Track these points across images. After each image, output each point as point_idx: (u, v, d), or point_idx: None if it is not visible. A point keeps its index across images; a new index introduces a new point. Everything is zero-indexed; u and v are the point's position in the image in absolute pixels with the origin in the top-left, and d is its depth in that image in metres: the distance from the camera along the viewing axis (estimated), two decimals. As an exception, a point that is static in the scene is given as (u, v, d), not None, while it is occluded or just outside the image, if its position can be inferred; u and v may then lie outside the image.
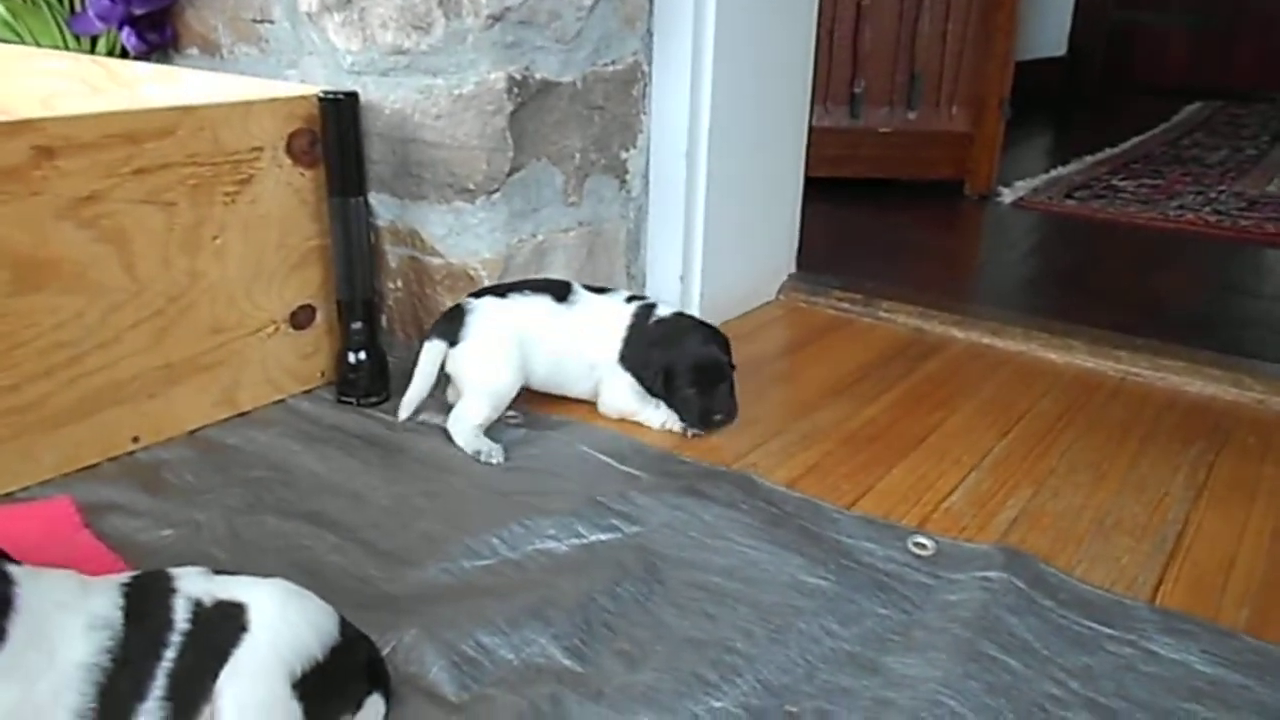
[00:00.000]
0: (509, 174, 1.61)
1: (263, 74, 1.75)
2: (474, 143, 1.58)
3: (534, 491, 1.37)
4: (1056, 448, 1.56)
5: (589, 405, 1.61)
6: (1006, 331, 2.01)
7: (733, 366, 1.56)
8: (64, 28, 1.98)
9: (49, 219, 1.28)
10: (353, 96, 1.50)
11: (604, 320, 1.56)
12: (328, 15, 1.65)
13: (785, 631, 1.09)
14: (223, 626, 0.87)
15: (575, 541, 1.26)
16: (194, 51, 1.91)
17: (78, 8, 1.95)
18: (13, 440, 1.31)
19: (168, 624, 0.86)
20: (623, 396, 1.58)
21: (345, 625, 0.95)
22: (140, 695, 0.83)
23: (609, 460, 1.47)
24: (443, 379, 1.53)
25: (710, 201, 1.91)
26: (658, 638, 1.09)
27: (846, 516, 1.34)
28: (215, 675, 0.84)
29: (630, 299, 1.59)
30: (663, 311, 1.57)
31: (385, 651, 1.01)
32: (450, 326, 1.51)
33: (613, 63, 1.76)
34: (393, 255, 1.73)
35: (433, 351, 1.51)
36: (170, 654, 0.85)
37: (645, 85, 1.84)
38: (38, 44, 2.03)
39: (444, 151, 1.61)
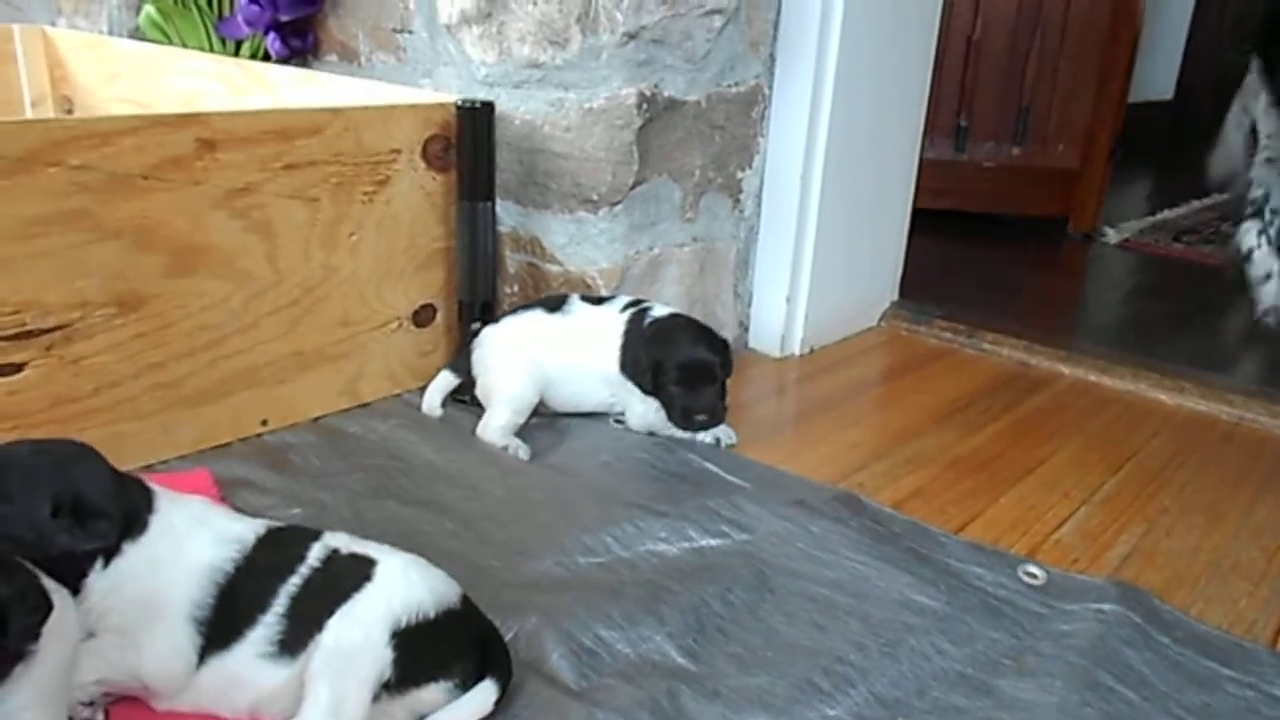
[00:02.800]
0: (632, 187, 1.65)
1: (398, 82, 1.82)
2: (601, 155, 1.63)
3: (645, 494, 1.40)
4: (1169, 488, 1.54)
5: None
6: (1115, 370, 1.98)
7: (726, 370, 1.53)
8: (211, 31, 2.09)
9: (206, 208, 1.36)
10: (489, 106, 1.56)
11: (600, 328, 1.57)
12: (466, 28, 1.71)
13: (896, 647, 1.10)
14: (350, 573, 0.95)
15: (686, 545, 1.28)
16: (333, 58, 2.00)
17: (226, 12, 2.05)
18: (156, 415, 1.38)
19: (299, 557, 0.95)
20: (646, 410, 1.57)
21: (468, 603, 0.99)
22: (261, 606, 0.92)
23: (716, 470, 1.49)
24: None
25: (821, 225, 1.93)
26: (769, 644, 1.10)
27: (954, 541, 1.34)
28: (331, 612, 0.91)
29: (627, 305, 1.59)
30: (658, 312, 1.57)
31: (508, 638, 1.05)
32: (459, 360, 1.62)
33: (736, 84, 1.80)
34: (512, 261, 1.78)
35: (440, 379, 1.62)
36: (295, 580, 0.94)
37: (765, 108, 1.87)
38: (185, 45, 2.14)
39: (571, 163, 1.66)
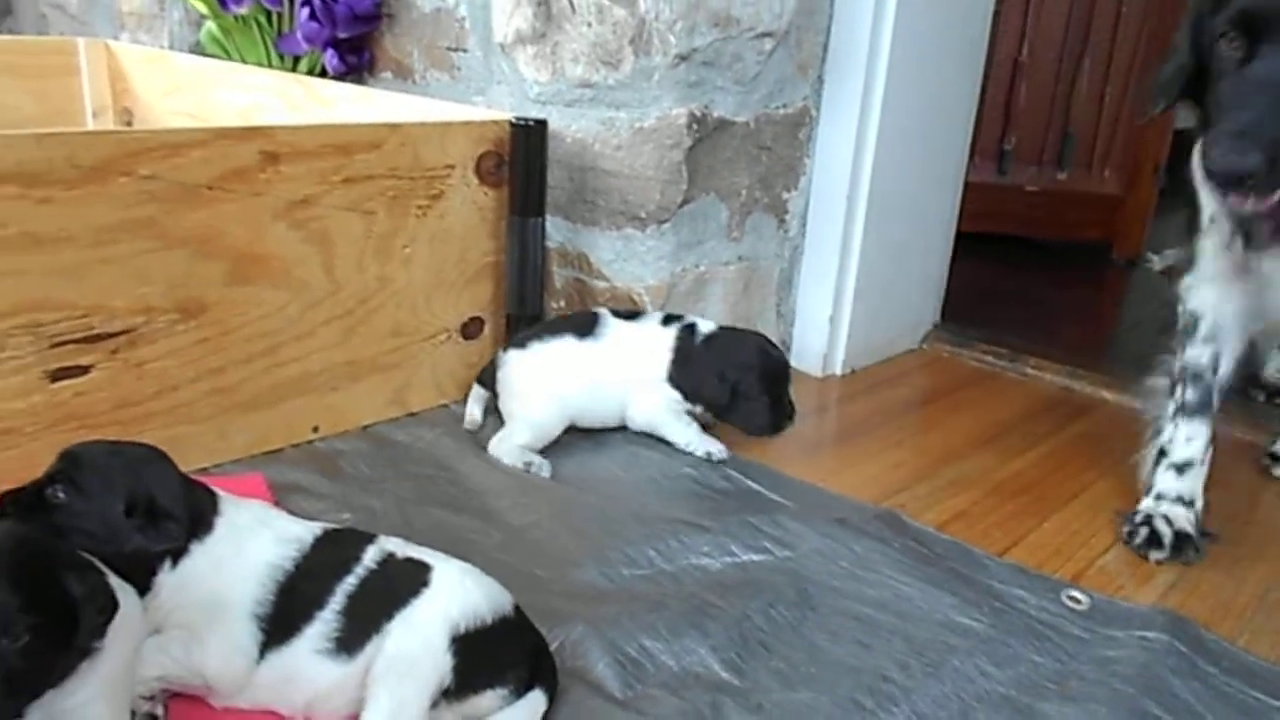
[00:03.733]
0: (680, 205, 1.67)
1: (451, 99, 1.86)
2: (650, 174, 1.65)
3: (688, 510, 1.41)
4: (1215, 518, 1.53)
5: (758, 440, 1.63)
6: (1160, 397, 1.97)
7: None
8: (270, 47, 2.14)
9: (267, 218, 1.40)
10: (542, 124, 1.59)
11: (642, 344, 1.58)
12: (521, 48, 1.75)
13: (939, 667, 1.11)
14: (407, 577, 0.97)
15: (729, 560, 1.30)
16: (387, 75, 2.04)
17: (286, 29, 2.10)
18: (212, 419, 1.41)
19: (356, 558, 0.98)
20: (655, 410, 1.59)
21: (520, 613, 1.01)
22: (319, 604, 0.94)
23: (758, 487, 1.50)
24: None
25: (865, 246, 1.94)
26: (812, 660, 1.11)
27: (997, 564, 1.34)
28: (390, 615, 0.93)
29: (667, 320, 1.60)
30: (706, 327, 1.58)
31: (553, 646, 1.06)
32: (485, 374, 1.62)
33: (784, 106, 1.82)
34: (559, 276, 1.81)
35: (475, 393, 1.63)
36: (352, 581, 0.96)
37: (811, 129, 1.89)
38: (244, 61, 2.20)
39: (620, 180, 1.68)
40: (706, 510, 1.42)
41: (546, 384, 1.55)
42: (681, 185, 1.66)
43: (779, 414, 1.55)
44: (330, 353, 1.52)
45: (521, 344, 1.58)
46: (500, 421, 1.58)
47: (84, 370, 1.28)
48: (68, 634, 0.78)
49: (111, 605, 0.82)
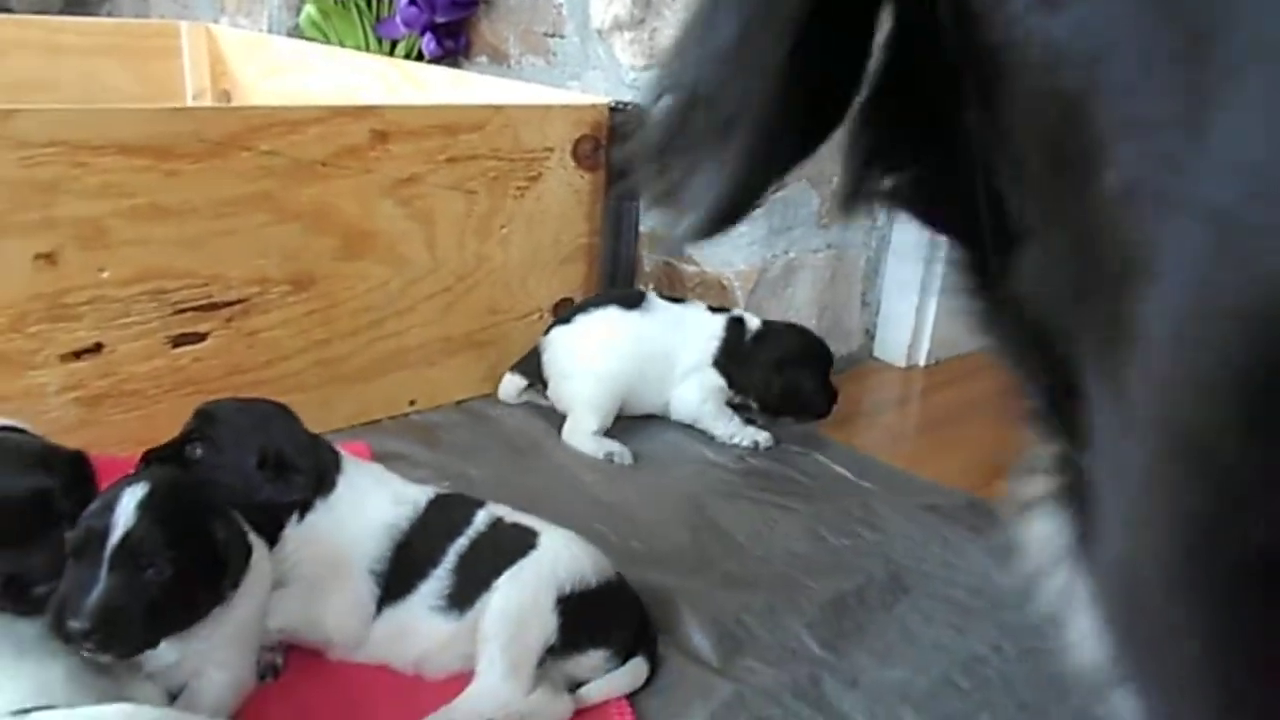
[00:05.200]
0: (773, 191, 1.68)
1: (546, 84, 1.89)
2: (744, 159, 1.66)
3: (776, 492, 1.43)
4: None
5: (840, 429, 1.64)
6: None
7: None
8: (368, 31, 2.19)
9: (375, 195, 1.44)
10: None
11: (690, 325, 1.57)
12: (618, 33, 1.77)
13: (1034, 652, 1.11)
14: (514, 539, 1.00)
15: (819, 543, 1.31)
16: (483, 59, 2.08)
17: (384, 13, 2.15)
18: (318, 389, 1.46)
19: (467, 520, 1.02)
20: (703, 401, 1.57)
21: (622, 580, 1.04)
22: (432, 562, 0.98)
23: (845, 472, 1.51)
24: None
25: (953, 237, 1.93)
26: (906, 641, 1.12)
27: (1090, 556, 1.33)
28: (497, 574, 0.97)
29: (713, 310, 1.59)
30: (754, 322, 1.57)
31: (651, 615, 1.09)
32: (528, 362, 1.60)
33: (877, 94, 1.81)
34: (648, 260, 1.83)
35: (508, 384, 1.61)
36: (464, 541, 1.00)
37: (903, 118, 1.88)
38: (342, 44, 2.26)
39: (713, 165, 1.70)
40: (793, 493, 1.43)
41: (596, 356, 1.53)
42: (775, 171, 1.67)
43: (830, 398, 1.57)
44: (428, 328, 1.56)
45: (566, 320, 1.58)
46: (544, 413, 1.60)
47: (201, 337, 1.34)
48: (209, 576, 0.82)
49: (249, 552, 0.86)
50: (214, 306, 1.34)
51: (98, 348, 1.26)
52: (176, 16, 3.05)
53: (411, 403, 1.58)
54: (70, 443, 1.05)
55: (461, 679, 0.97)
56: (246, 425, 0.97)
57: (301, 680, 0.96)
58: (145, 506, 0.79)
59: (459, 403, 1.63)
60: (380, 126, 1.41)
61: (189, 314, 1.32)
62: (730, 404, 1.59)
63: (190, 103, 2.58)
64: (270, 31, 2.64)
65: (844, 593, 1.19)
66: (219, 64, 2.56)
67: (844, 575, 1.22)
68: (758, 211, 1.58)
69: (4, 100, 1.18)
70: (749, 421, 1.60)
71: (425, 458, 1.43)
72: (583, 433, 1.52)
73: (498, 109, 1.54)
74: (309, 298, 1.41)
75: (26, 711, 0.70)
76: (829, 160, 1.65)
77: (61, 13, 4.11)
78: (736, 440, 1.56)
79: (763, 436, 1.57)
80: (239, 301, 1.35)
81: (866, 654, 1.09)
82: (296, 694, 0.94)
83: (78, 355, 1.24)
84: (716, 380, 1.57)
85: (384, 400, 1.55)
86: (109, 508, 0.79)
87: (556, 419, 1.59)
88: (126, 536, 0.77)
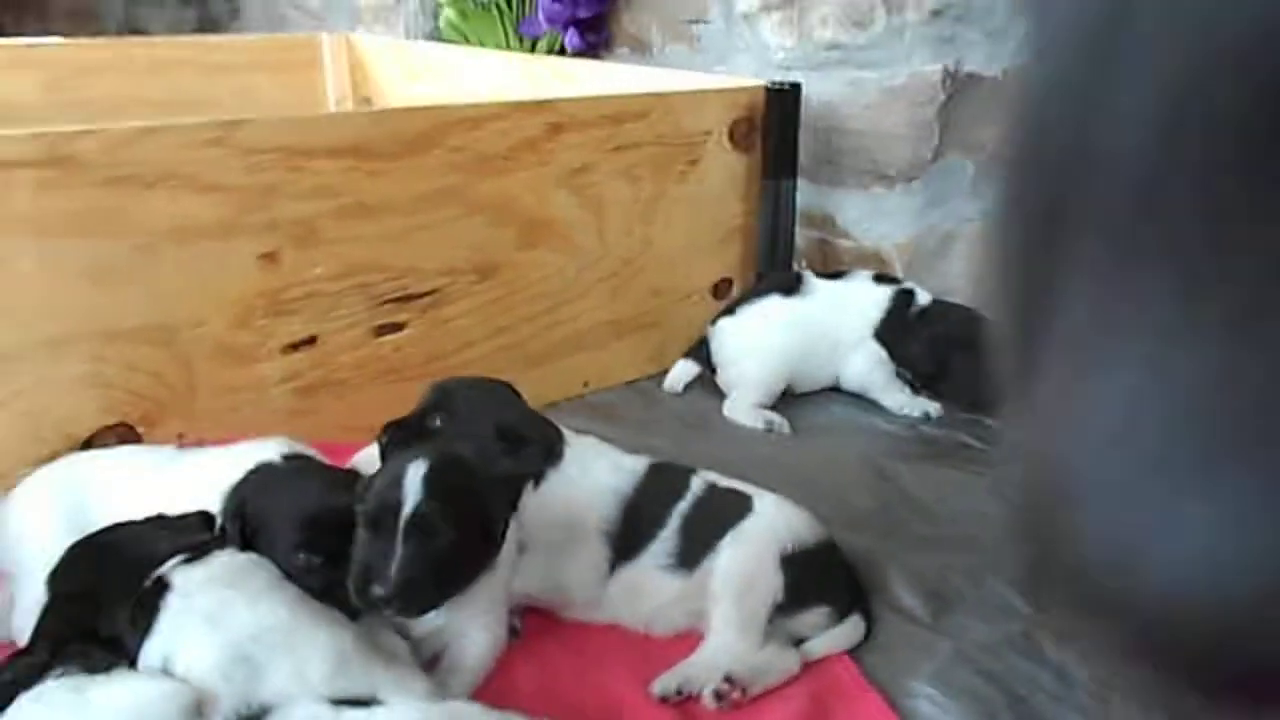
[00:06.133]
0: (930, 162, 1.69)
1: (692, 70, 1.93)
2: (900, 132, 1.68)
3: (955, 458, 1.45)
4: None
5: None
6: None
7: None
8: (509, 30, 2.26)
9: (550, 186, 1.50)
10: (796, 87, 1.64)
11: (852, 300, 1.58)
12: (765, 15, 1.80)
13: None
14: (732, 503, 1.05)
15: (1006, 506, 1.32)
16: (624, 51, 2.13)
17: (525, 12, 2.22)
18: (502, 373, 1.49)
19: (685, 485, 1.07)
20: (871, 371, 1.58)
21: (834, 541, 1.08)
22: (659, 524, 1.03)
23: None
24: None
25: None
26: (1113, 597, 1.13)
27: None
28: (720, 536, 1.01)
29: (878, 278, 1.59)
30: (924, 297, 1.57)
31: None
32: (698, 349, 1.63)
33: (1028, 59, 1.80)
34: (802, 237, 1.86)
35: (680, 369, 1.64)
36: (685, 505, 1.05)
37: (1053, 83, 1.87)
38: (482, 45, 2.33)
39: (868, 140, 1.72)
40: (969, 459, 1.44)
41: (761, 342, 1.57)
42: (933, 142, 1.68)
43: (985, 388, 1.53)
44: (599, 312, 1.61)
45: (730, 311, 1.62)
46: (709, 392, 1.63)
47: (400, 327, 1.42)
48: (483, 542, 0.89)
49: (509, 521, 0.92)
50: (411, 297, 1.41)
51: (312, 340, 1.34)
52: (313, 29, 3.18)
53: (585, 384, 1.64)
54: (286, 429, 1.15)
55: (686, 639, 1.02)
56: (481, 400, 1.03)
57: (541, 641, 1.02)
58: (430, 481, 0.85)
59: (628, 383, 1.68)
60: (556, 119, 1.47)
61: (389, 305, 1.39)
62: (902, 376, 1.60)
63: (333, 110, 2.70)
64: (406, 38, 2.74)
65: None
66: (359, 71, 2.67)
67: (1038, 536, 1.24)
68: (914, 184, 1.60)
69: (169, 115, 1.28)
70: (921, 391, 1.60)
71: (607, 433, 1.47)
72: (743, 406, 1.56)
73: (660, 97, 1.58)
74: (492, 286, 1.48)
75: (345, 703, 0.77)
76: (982, 130, 1.66)
77: (194, 33, 4.32)
78: (906, 411, 1.57)
79: (933, 407, 1.57)
80: (432, 292, 1.43)
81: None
82: (538, 654, 1.00)
83: (295, 347, 1.33)
84: (879, 352, 1.59)
85: (560, 382, 1.61)
86: (397, 483, 0.85)
87: (722, 398, 1.63)
88: (417, 509, 0.84)
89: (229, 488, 0.94)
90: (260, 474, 0.95)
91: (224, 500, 0.93)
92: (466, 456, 0.92)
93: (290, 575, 0.89)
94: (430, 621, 0.91)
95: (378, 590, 0.83)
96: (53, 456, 1.20)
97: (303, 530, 0.89)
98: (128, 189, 1.16)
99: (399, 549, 0.83)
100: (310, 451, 1.04)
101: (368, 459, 1.07)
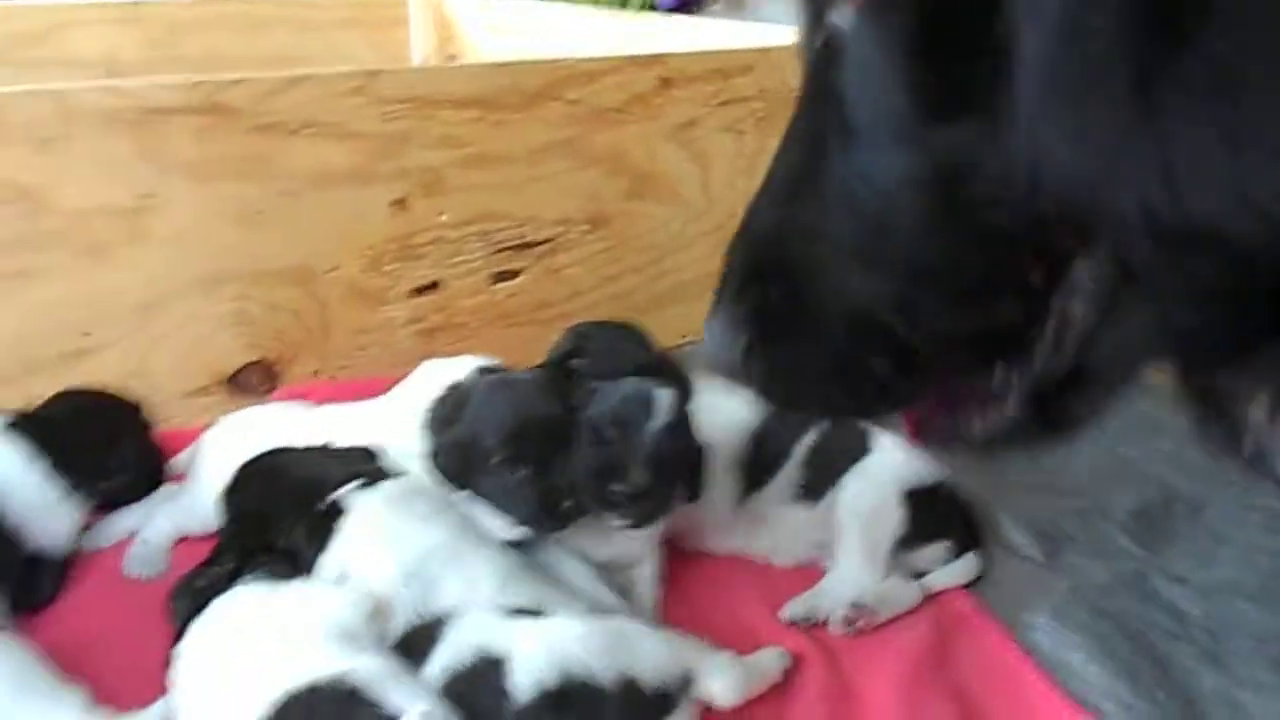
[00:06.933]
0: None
1: (790, 25, 1.94)
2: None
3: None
4: None
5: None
6: None
7: None
8: (601, -12, 2.29)
9: (659, 139, 1.53)
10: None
11: None
12: (866, -29, 1.81)
13: (1358, 555, 1.13)
14: (854, 439, 1.09)
15: (1112, 455, 1.35)
16: (717, 8, 2.15)
17: (619, -31, 2.25)
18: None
19: (807, 420, 1.09)
20: None
21: (949, 481, 1.12)
22: (786, 454, 1.08)
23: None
24: None
25: None
26: (1222, 543, 1.16)
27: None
28: (843, 470, 1.06)
29: None
30: None
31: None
32: None
33: None
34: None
35: None
36: (810, 438, 1.09)
37: None
38: (573, 2, 2.36)
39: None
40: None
41: None
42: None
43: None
44: (701, 265, 1.65)
45: None
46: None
47: (515, 274, 1.47)
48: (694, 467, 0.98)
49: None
50: (527, 246, 1.46)
51: (435, 285, 1.40)
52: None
53: (684, 336, 1.68)
54: (408, 370, 1.20)
55: (808, 571, 1.07)
56: (618, 342, 1.08)
57: (673, 570, 1.07)
58: (674, 407, 0.94)
59: (725, 335, 1.72)
60: (666, 74, 1.50)
61: (507, 253, 1.45)
62: None
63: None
64: (494, -5, 2.77)
65: (1149, 500, 1.23)
66: (444, 28, 2.72)
67: (1144, 484, 1.26)
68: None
69: (264, 70, 1.32)
70: None
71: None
72: None
73: (764, 51, 1.61)
74: (603, 236, 1.53)
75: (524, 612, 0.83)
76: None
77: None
78: None
79: None
80: (547, 241, 1.48)
81: (1184, 555, 1.14)
82: (673, 581, 1.05)
83: (420, 291, 1.39)
84: None
85: (663, 333, 1.62)
86: (646, 398, 0.93)
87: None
88: (665, 424, 0.92)
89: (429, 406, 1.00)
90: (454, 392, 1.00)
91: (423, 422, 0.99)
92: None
93: (499, 492, 0.93)
94: (611, 549, 0.97)
95: (620, 488, 0.88)
96: (200, 391, 1.27)
97: (508, 442, 0.92)
98: (274, 136, 1.22)
99: (646, 451, 0.89)
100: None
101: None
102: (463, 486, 0.95)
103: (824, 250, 0.51)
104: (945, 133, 0.43)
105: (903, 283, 0.48)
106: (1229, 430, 0.50)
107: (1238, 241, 0.36)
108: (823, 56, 0.51)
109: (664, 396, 0.94)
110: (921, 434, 0.60)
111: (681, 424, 0.96)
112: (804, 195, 0.53)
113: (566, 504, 0.91)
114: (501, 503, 0.93)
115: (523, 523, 0.93)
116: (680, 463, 0.95)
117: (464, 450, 0.94)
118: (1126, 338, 0.46)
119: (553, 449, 0.92)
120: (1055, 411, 0.53)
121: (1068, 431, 0.54)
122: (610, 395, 0.95)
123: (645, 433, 0.91)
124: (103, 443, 1.07)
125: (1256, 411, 0.48)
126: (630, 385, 0.96)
